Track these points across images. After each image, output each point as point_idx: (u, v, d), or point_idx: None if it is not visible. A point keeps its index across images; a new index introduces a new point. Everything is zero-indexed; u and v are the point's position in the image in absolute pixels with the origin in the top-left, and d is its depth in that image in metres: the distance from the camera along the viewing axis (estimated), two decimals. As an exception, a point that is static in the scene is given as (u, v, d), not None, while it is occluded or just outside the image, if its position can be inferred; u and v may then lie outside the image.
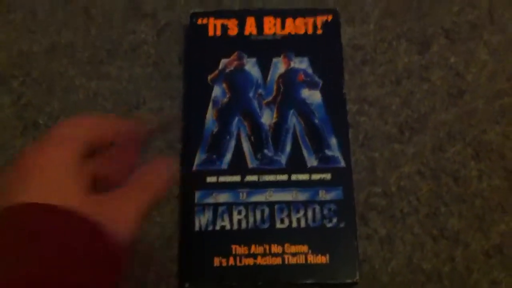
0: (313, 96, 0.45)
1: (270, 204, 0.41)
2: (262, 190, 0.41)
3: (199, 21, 0.46)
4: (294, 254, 0.40)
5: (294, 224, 0.41)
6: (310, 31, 0.46)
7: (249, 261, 0.40)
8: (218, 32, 0.46)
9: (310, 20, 0.46)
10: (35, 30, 0.47)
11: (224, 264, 0.40)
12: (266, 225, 0.41)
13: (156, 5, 0.48)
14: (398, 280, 0.47)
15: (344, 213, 0.41)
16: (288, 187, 0.42)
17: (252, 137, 0.43)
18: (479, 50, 0.47)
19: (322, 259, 0.40)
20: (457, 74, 0.47)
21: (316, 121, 0.44)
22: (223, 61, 0.45)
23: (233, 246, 0.40)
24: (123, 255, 0.29)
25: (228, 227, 0.41)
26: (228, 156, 0.42)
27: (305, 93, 0.45)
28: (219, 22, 0.46)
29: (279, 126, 0.44)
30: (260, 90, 0.45)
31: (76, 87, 0.46)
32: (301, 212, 0.41)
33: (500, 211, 0.48)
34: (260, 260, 0.40)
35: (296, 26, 0.46)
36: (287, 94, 0.45)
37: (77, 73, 0.47)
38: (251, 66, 0.45)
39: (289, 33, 0.46)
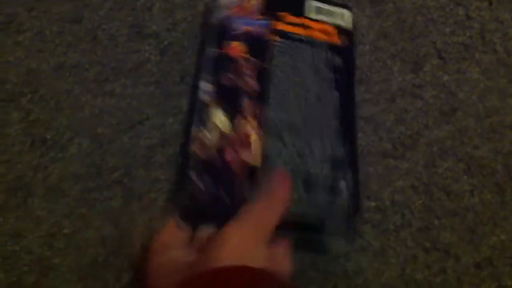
0: None
1: None
2: None
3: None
4: None
5: None
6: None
7: None
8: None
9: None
10: (43, 50, 0.49)
11: None
12: None
13: (159, 26, 0.50)
14: (391, 291, 0.48)
15: None
16: None
17: None
18: (471, 70, 0.48)
19: None
20: (450, 92, 0.48)
21: None
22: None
23: None
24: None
25: None
26: None
27: None
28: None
29: None
30: None
31: (82, 104, 0.48)
32: None
33: (491, 225, 0.49)
34: None
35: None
36: None
37: (83, 91, 0.48)
38: None
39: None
